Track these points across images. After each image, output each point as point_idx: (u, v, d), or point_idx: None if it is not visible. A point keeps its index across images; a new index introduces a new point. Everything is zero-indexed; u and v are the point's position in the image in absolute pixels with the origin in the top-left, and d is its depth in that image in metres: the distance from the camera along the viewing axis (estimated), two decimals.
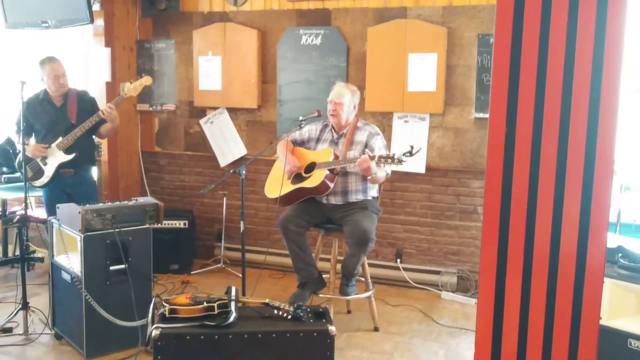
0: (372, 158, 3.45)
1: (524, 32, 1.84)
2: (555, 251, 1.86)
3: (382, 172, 3.62)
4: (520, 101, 1.87)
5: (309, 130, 4.00)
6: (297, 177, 3.86)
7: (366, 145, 3.75)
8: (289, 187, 3.82)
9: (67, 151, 4.08)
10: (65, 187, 4.18)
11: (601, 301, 1.83)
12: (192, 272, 4.95)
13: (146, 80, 4.19)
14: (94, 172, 4.46)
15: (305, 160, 3.90)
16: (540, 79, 1.85)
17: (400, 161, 3.39)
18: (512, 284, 1.92)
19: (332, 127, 3.92)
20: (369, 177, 3.58)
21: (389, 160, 3.40)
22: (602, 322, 2.88)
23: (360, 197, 3.79)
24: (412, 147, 3.40)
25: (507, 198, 1.90)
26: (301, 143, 4.02)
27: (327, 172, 3.69)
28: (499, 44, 1.88)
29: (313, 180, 3.73)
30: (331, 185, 3.72)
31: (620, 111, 1.90)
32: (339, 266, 3.85)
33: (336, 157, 3.76)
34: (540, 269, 1.89)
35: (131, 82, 4.16)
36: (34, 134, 4.20)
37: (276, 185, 3.86)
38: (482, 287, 1.97)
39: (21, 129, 3.77)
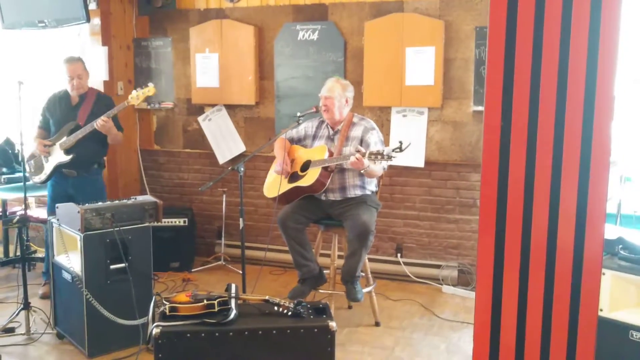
0: (362, 154, 3.45)
1: (518, 23, 1.83)
2: (553, 243, 1.86)
3: (376, 166, 3.61)
4: (516, 93, 1.87)
5: (305, 127, 4.00)
6: (294, 176, 3.86)
7: (362, 141, 3.75)
8: (285, 187, 3.82)
9: (67, 152, 4.07)
10: (68, 188, 4.18)
11: (599, 292, 1.82)
12: (192, 270, 4.96)
13: (149, 90, 4.03)
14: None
15: (301, 158, 3.89)
16: (535, 70, 1.85)
17: (389, 157, 3.39)
18: (510, 276, 1.92)
19: (328, 123, 3.91)
20: (362, 171, 3.57)
21: (379, 157, 3.40)
22: (603, 314, 2.88)
23: (358, 192, 3.79)
24: (401, 143, 3.40)
25: (504, 190, 1.90)
26: (298, 140, 4.02)
27: (322, 170, 3.69)
28: (493, 36, 1.87)
29: (308, 179, 3.72)
30: (326, 182, 3.71)
31: (616, 102, 1.89)
32: (339, 262, 3.86)
33: (331, 153, 3.76)
34: (537, 260, 1.89)
35: (136, 90, 4.08)
36: (49, 129, 4.22)
37: (274, 184, 3.86)
38: (480, 280, 1.98)
39: (20, 127, 3.75)
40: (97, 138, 4.13)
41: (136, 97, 4.02)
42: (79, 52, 5.21)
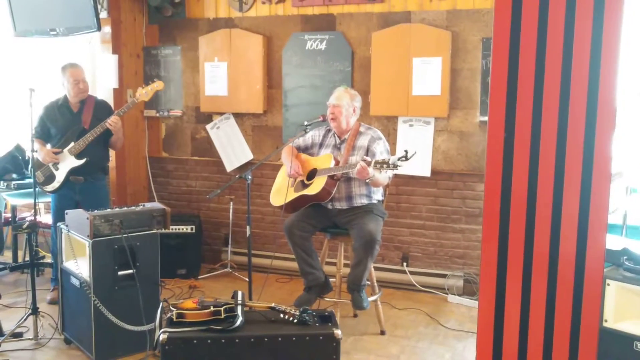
0: (368, 163, 3.47)
1: (522, 36, 1.86)
2: (555, 253, 1.88)
3: (381, 175, 3.62)
4: (519, 105, 1.90)
5: (312, 136, 4.03)
6: (300, 185, 3.89)
7: (368, 150, 3.77)
8: (292, 195, 3.85)
9: (78, 156, 4.11)
10: (74, 195, 4.20)
11: (600, 302, 1.84)
12: (199, 277, 4.98)
13: (158, 85, 4.18)
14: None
15: (308, 166, 3.92)
16: (538, 83, 1.88)
17: (395, 166, 3.40)
18: (512, 286, 1.94)
19: (335, 131, 3.94)
20: (367, 180, 3.59)
21: (385, 166, 3.42)
22: (608, 324, 2.89)
23: (364, 201, 3.81)
24: (406, 152, 3.41)
25: (507, 201, 1.92)
26: (305, 149, 4.05)
27: (328, 179, 3.71)
28: (497, 48, 1.90)
29: (314, 188, 3.75)
30: (332, 191, 3.74)
31: (620, 114, 1.91)
32: (345, 270, 3.87)
33: (337, 162, 3.78)
34: (540, 271, 1.91)
35: (143, 87, 4.18)
36: (50, 139, 4.24)
37: (280, 193, 3.89)
38: (483, 290, 1.99)
39: (32, 134, 3.81)
40: (101, 142, 4.21)
41: (145, 93, 4.11)
42: (89, 59, 5.28)
